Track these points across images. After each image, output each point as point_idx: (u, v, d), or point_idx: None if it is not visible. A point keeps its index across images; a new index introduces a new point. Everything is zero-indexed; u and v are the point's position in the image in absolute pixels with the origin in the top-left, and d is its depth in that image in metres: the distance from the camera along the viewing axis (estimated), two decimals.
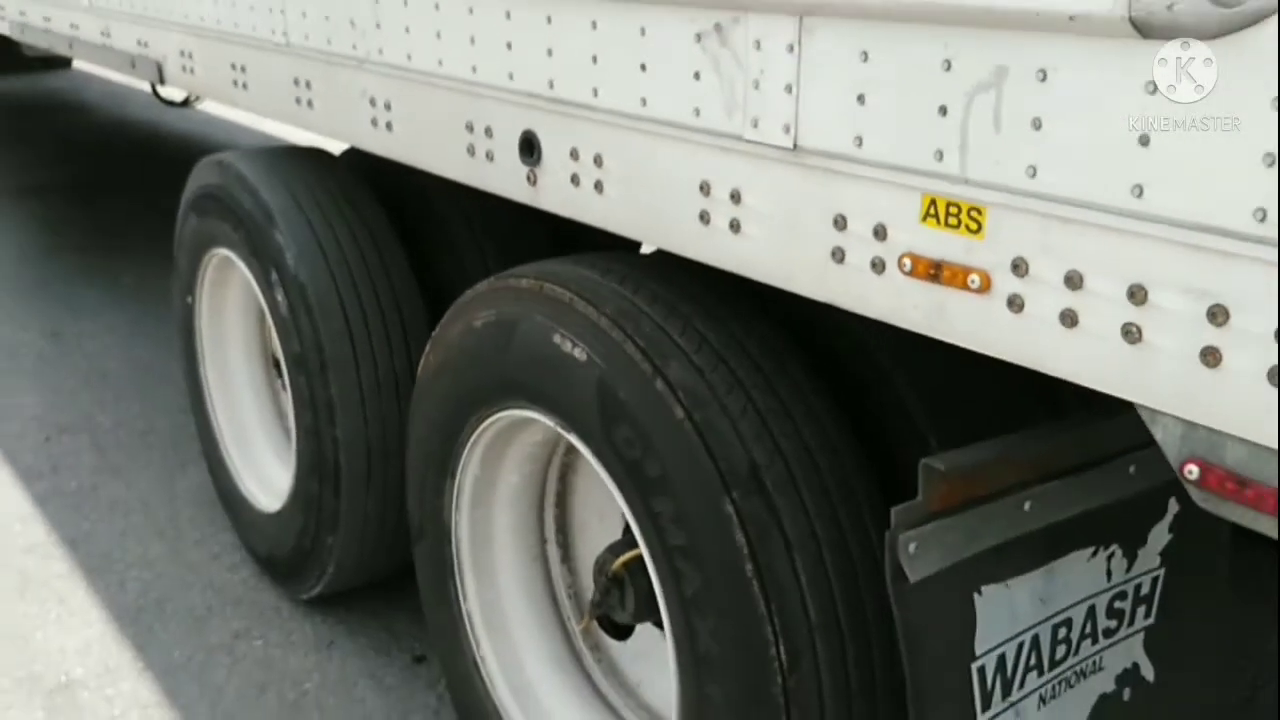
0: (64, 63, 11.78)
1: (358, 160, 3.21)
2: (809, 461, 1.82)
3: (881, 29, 1.38)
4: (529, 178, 2.06)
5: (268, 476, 3.59)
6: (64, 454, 4.39)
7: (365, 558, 3.15)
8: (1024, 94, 1.25)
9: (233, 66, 3.10)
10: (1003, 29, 1.24)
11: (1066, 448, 1.68)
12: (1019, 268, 1.30)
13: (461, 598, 2.57)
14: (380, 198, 3.10)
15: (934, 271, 1.39)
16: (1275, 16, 1.03)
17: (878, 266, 1.46)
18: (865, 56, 1.40)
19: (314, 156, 3.24)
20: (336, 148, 3.31)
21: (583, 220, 1.99)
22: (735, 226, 1.67)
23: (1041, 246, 1.27)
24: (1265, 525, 1.17)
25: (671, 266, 2.05)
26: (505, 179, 2.15)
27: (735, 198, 1.66)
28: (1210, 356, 1.15)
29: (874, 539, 1.78)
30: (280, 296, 2.97)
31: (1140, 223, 1.18)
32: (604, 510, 2.49)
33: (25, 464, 4.31)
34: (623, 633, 2.49)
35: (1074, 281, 1.25)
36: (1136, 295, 1.20)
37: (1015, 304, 1.32)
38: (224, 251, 3.28)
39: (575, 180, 1.96)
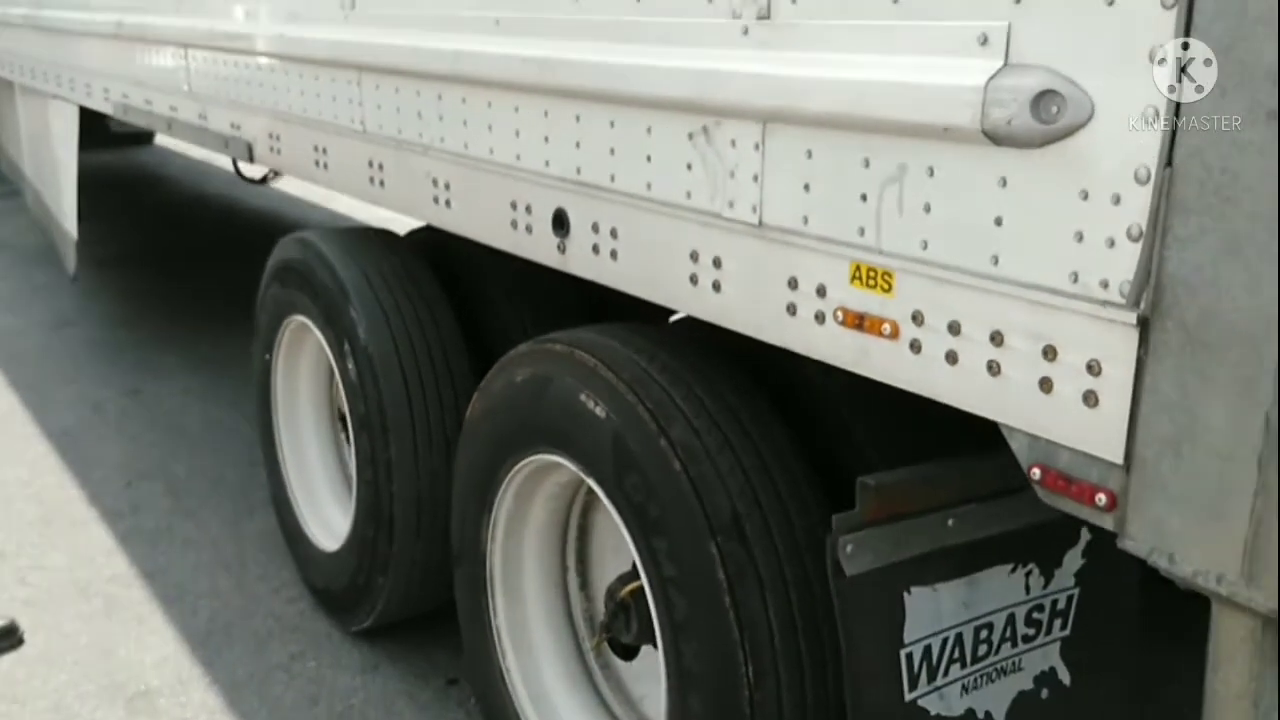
0: (147, 139, 12.37)
1: (420, 241, 3.59)
2: (783, 514, 2.14)
3: (821, 134, 1.77)
4: (559, 247, 2.47)
5: (328, 519, 3.92)
6: (143, 498, 4.77)
7: (411, 597, 3.46)
8: (918, 185, 1.64)
9: (315, 148, 3.51)
10: (904, 136, 1.64)
11: (984, 476, 2.01)
12: (917, 319, 1.68)
13: (493, 615, 2.90)
14: (438, 275, 3.44)
15: (859, 322, 1.77)
16: (1080, 132, 1.42)
17: (820, 318, 1.85)
18: (810, 154, 1.80)
19: (383, 238, 3.59)
20: (398, 227, 3.71)
21: (600, 282, 2.38)
22: (717, 286, 2.06)
23: (932, 302, 1.65)
24: (1087, 514, 1.52)
25: (681, 341, 2.41)
26: (540, 248, 2.55)
27: (717, 263, 2.05)
28: (1045, 385, 1.53)
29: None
30: (350, 364, 3.31)
31: (997, 284, 1.56)
32: (617, 546, 2.77)
33: (108, 505, 4.70)
34: (629, 654, 2.82)
35: (954, 328, 1.63)
36: (996, 338, 1.58)
37: (915, 347, 1.70)
38: (301, 318, 3.64)
39: (596, 249, 2.36)
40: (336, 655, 3.68)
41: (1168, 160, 1.34)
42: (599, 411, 2.33)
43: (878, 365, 1.78)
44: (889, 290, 1.72)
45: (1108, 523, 1.50)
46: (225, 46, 3.95)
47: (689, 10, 1.97)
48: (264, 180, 7.60)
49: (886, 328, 1.73)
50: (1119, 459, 1.46)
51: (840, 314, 1.81)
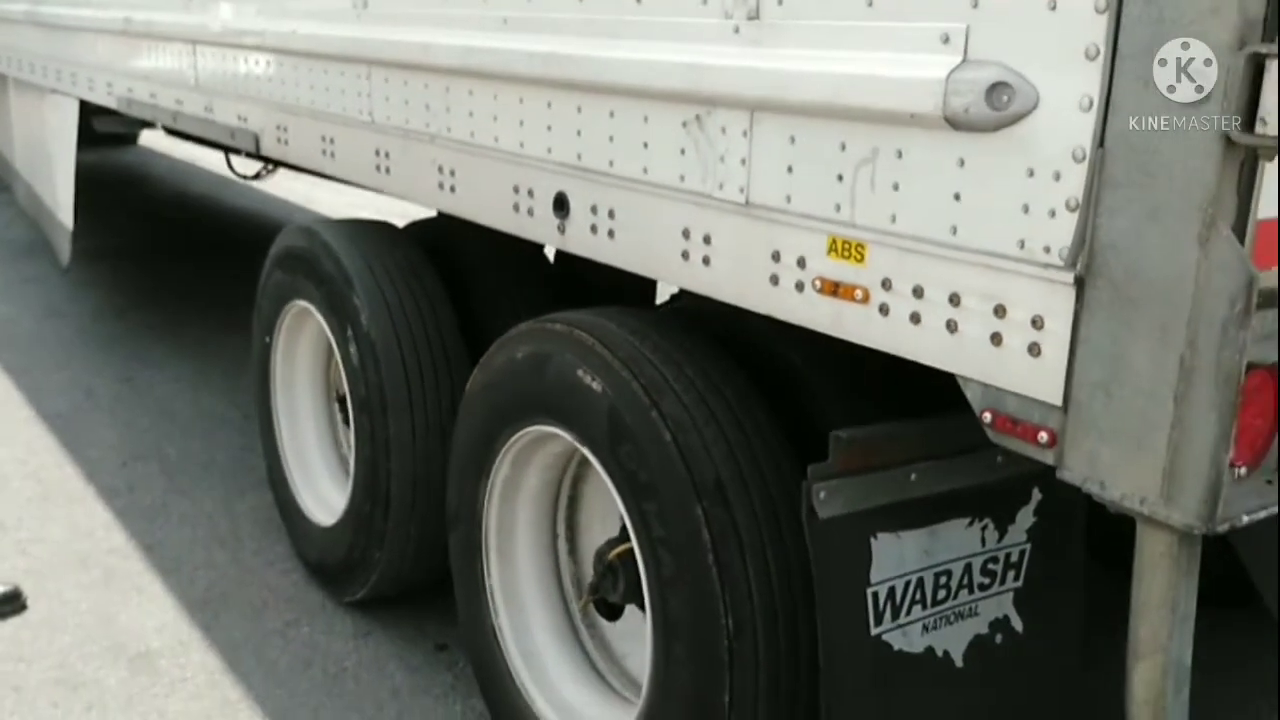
0: (131, 139, 12.46)
1: (418, 233, 3.77)
2: (761, 480, 2.31)
3: (803, 121, 1.99)
4: (560, 228, 2.67)
5: (323, 495, 4.07)
6: (138, 477, 4.93)
7: (404, 570, 3.62)
8: (889, 166, 1.86)
9: (323, 139, 3.69)
10: (876, 122, 1.86)
11: (945, 435, 2.23)
12: (886, 285, 1.90)
13: (486, 576, 3.07)
14: (436, 265, 3.61)
15: (834, 289, 1.99)
16: (1026, 118, 1.65)
17: (800, 287, 2.07)
18: (793, 140, 2.02)
19: (384, 229, 3.76)
20: (396, 219, 3.91)
21: (598, 259, 2.58)
22: (706, 261, 2.27)
23: (899, 270, 1.87)
24: (1031, 451, 1.74)
25: (670, 324, 2.60)
26: (541, 229, 2.75)
27: (707, 240, 2.26)
28: (996, 339, 1.74)
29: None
30: (353, 349, 3.47)
31: (955, 251, 1.78)
32: (605, 515, 2.98)
33: (105, 483, 4.86)
34: (614, 614, 3.01)
35: (918, 292, 1.85)
36: (954, 300, 1.80)
37: (884, 310, 1.92)
38: (303, 304, 3.80)
39: (594, 229, 2.56)
40: (330, 622, 3.85)
41: (1100, 142, 1.57)
42: (595, 386, 2.50)
43: (850, 328, 1.99)
44: (861, 260, 1.94)
45: (1048, 458, 1.71)
46: (235, 43, 4.12)
47: (685, 11, 2.19)
48: (257, 176, 7.73)
49: (859, 294, 1.95)
50: (1058, 401, 1.68)
51: (818, 283, 2.03)
